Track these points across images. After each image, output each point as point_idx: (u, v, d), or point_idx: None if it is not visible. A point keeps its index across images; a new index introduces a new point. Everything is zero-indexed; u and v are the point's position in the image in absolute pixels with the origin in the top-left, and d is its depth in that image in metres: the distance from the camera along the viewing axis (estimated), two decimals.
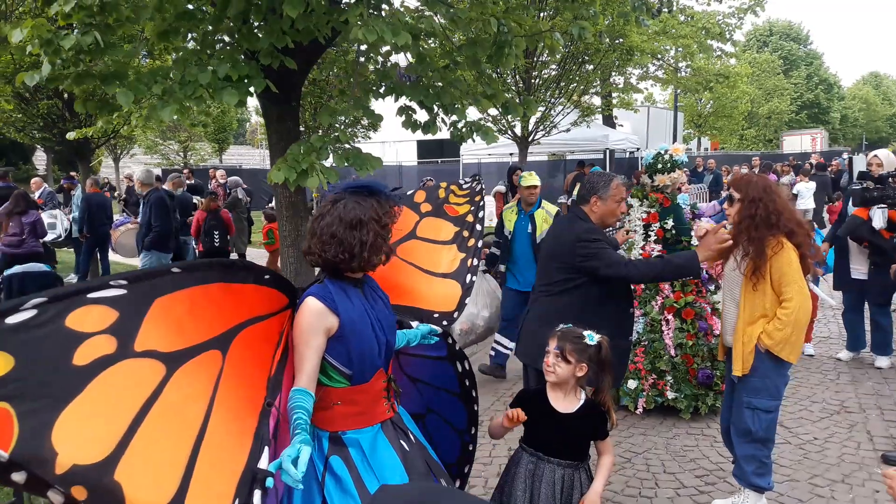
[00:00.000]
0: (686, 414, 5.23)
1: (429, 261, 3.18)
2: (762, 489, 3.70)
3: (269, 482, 1.88)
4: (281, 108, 6.42)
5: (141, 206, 8.65)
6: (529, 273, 6.04)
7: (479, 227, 3.36)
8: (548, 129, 15.42)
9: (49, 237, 9.87)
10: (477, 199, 3.49)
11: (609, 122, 22.09)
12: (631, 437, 5.02)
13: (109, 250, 11.11)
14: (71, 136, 8.39)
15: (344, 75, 6.93)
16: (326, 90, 12.12)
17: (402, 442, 2.41)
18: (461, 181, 3.65)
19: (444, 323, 3.04)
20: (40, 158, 29.52)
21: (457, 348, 3.10)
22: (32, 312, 1.57)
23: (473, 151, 19.50)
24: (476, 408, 3.17)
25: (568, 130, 15.85)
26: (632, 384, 5.31)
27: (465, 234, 3.31)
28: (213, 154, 28.85)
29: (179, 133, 24.50)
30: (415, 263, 3.15)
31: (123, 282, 1.75)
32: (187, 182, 12.76)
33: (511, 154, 18.13)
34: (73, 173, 15.45)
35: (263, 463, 1.92)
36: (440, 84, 5.59)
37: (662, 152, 5.57)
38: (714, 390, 5.22)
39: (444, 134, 6.03)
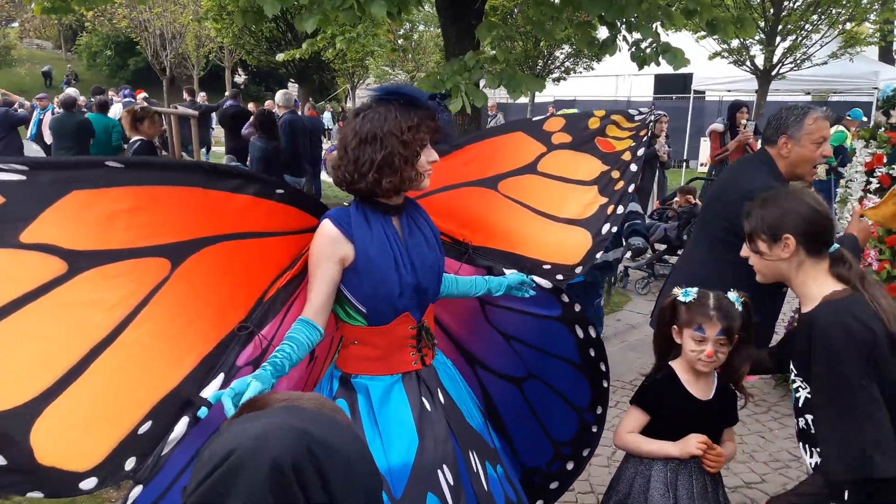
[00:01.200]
0: None
1: (549, 201, 2.64)
2: None
3: (203, 412, 1.68)
4: (459, 26, 6.05)
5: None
6: None
7: (634, 167, 2.71)
8: (798, 61, 13.26)
9: None
10: (642, 134, 2.81)
11: (887, 56, 18.65)
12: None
13: (322, 172, 11.71)
14: (280, 57, 8.79)
15: None
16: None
17: (423, 399, 2.02)
18: (633, 111, 2.93)
19: (559, 277, 2.54)
20: (294, 87, 32.20)
21: (577, 309, 2.56)
22: None
23: (713, 87, 17.48)
24: (606, 384, 2.62)
25: (824, 63, 13.51)
26: None
27: (615, 174, 2.68)
28: None
29: (407, 63, 25.09)
30: (525, 203, 2.62)
31: (21, 167, 1.52)
32: None
33: (756, 91, 15.98)
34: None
35: (208, 391, 1.72)
36: None
37: None
38: None
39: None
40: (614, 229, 2.62)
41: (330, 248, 1.92)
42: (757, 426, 4.13)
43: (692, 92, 17.76)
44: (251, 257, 1.91)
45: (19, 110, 9.95)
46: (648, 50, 4.89)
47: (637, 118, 2.88)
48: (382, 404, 1.98)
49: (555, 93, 27.69)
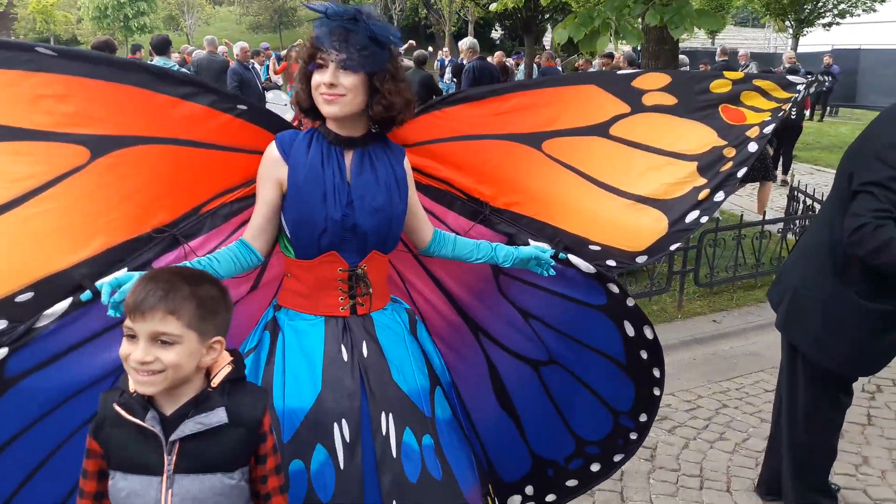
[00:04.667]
0: None
1: (615, 171, 2.23)
2: None
3: (86, 295, 1.72)
4: None
5: None
6: None
7: (753, 147, 2.21)
8: None
9: None
10: (785, 107, 2.30)
11: None
12: None
13: None
14: (493, 7, 8.78)
15: None
16: None
17: (342, 348, 1.87)
18: (795, 78, 2.39)
19: (611, 263, 2.20)
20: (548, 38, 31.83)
21: (630, 304, 2.21)
22: None
23: None
24: (657, 392, 2.30)
25: None
26: None
27: (729, 152, 2.21)
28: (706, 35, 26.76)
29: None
30: (578, 168, 2.24)
31: None
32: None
33: None
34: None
35: (104, 280, 1.70)
36: None
37: None
38: None
39: None
40: (704, 219, 2.17)
41: (270, 169, 1.86)
42: None
43: None
44: (192, 166, 1.90)
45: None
46: None
47: (800, 86, 2.32)
48: (295, 343, 1.89)
49: (833, 41, 24.33)
